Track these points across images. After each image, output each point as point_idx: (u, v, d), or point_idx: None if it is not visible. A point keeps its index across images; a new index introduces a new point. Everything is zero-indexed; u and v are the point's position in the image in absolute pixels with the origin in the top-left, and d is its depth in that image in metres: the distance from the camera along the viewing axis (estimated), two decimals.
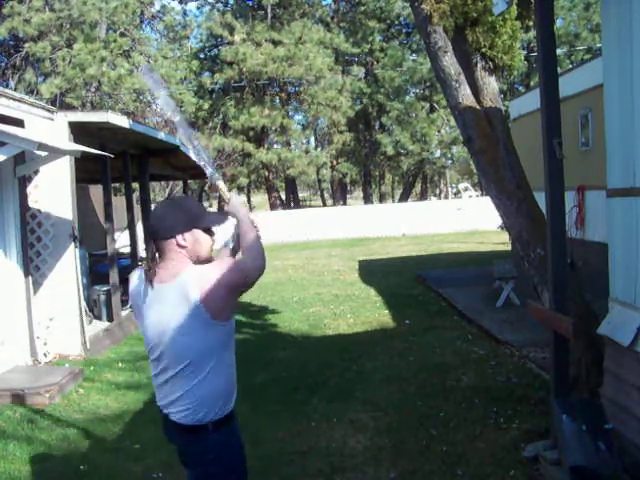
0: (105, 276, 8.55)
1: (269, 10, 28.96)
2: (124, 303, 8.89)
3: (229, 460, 2.34)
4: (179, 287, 2.20)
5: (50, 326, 6.83)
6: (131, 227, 9.64)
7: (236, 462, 2.38)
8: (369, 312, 8.97)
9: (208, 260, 2.34)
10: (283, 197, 36.21)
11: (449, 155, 30.86)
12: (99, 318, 8.32)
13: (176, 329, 2.21)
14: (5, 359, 6.04)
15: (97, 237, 11.25)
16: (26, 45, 23.12)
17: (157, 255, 2.30)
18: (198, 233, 2.28)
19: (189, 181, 15.65)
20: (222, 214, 2.43)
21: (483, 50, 4.90)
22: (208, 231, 2.34)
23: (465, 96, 4.67)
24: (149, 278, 2.27)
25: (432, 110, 28.89)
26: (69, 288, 6.96)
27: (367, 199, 35.19)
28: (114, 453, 4.30)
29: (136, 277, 2.39)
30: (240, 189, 34.45)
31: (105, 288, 8.37)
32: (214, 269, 2.22)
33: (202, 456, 2.31)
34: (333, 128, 29.58)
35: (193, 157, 2.48)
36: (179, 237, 2.24)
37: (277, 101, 30.58)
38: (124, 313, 8.61)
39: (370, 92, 30.35)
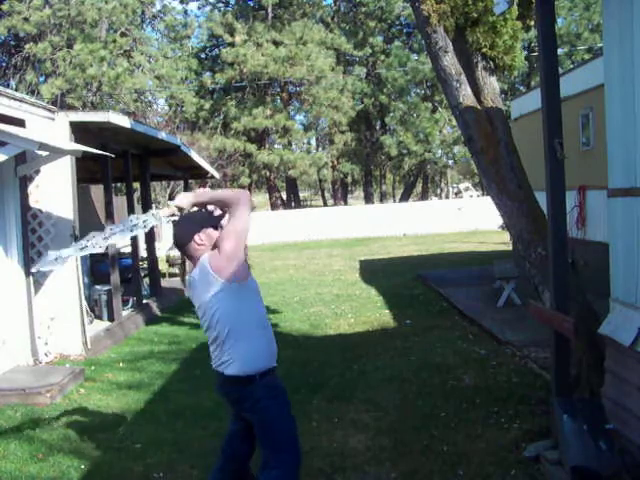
0: (106, 276, 8.56)
1: (270, 10, 28.95)
2: (125, 303, 8.91)
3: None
4: (200, 266, 2.81)
5: (51, 326, 6.83)
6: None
7: None
8: (370, 312, 8.97)
9: None
10: (284, 197, 36.20)
11: (450, 155, 30.86)
12: (100, 318, 8.32)
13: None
14: (6, 359, 6.04)
15: None
16: (27, 46, 23.14)
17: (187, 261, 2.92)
18: (209, 231, 2.85)
19: (190, 181, 15.65)
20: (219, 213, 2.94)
21: (484, 50, 4.89)
22: (216, 227, 2.89)
23: (466, 96, 4.67)
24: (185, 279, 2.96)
25: (434, 110, 28.90)
26: (70, 288, 6.96)
27: (368, 199, 35.19)
28: (115, 453, 4.29)
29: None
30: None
31: (106, 288, 8.37)
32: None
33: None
34: (334, 128, 29.58)
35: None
36: (197, 240, 2.83)
37: (278, 101, 30.59)
38: (125, 313, 8.62)
39: (371, 92, 30.36)
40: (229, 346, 2.84)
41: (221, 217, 2.93)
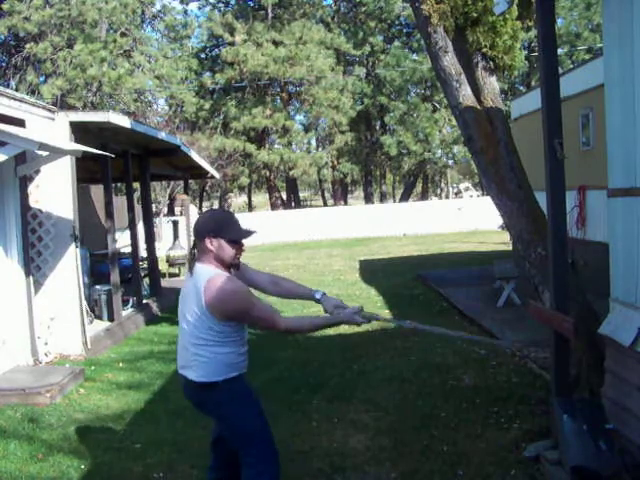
0: (106, 276, 8.56)
1: (269, 10, 28.96)
2: (125, 303, 8.90)
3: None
4: (196, 277, 2.75)
5: (51, 326, 6.83)
6: (132, 227, 9.64)
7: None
8: (370, 312, 8.95)
9: (234, 265, 2.86)
10: (284, 197, 36.22)
11: (450, 155, 30.87)
12: (100, 318, 8.32)
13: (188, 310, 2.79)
14: (6, 359, 6.04)
15: (98, 237, 11.26)
16: (27, 46, 23.15)
17: (196, 251, 2.83)
18: (222, 242, 2.75)
19: (190, 181, 15.66)
20: (248, 231, 2.85)
21: (484, 50, 4.89)
22: (234, 242, 2.78)
23: (466, 96, 4.66)
24: (189, 266, 2.83)
25: (434, 110, 28.91)
26: (70, 288, 6.97)
27: (368, 199, 35.22)
28: (115, 453, 4.30)
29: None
30: (241, 189, 34.46)
31: (106, 288, 8.37)
32: (228, 287, 2.69)
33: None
34: (334, 128, 29.58)
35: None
36: (207, 241, 2.74)
37: (278, 101, 30.60)
38: (125, 313, 8.62)
39: (371, 92, 30.36)
40: (191, 348, 2.81)
41: (247, 234, 2.82)
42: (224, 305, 2.68)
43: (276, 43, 27.35)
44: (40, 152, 5.86)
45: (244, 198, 41.75)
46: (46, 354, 6.67)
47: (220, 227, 2.76)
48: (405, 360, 6.19)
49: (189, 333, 2.81)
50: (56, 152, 5.98)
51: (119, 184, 20.01)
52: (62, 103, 22.49)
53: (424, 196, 37.33)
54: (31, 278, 6.58)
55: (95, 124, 7.22)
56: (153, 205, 17.69)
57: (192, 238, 2.92)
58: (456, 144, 28.38)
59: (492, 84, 4.90)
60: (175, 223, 14.75)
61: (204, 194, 37.47)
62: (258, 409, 2.94)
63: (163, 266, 13.18)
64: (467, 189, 37.52)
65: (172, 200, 21.15)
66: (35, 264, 6.84)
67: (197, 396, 2.91)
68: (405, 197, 35.35)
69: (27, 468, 4.06)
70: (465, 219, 23.69)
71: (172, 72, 25.40)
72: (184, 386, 2.94)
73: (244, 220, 3.09)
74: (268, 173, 31.02)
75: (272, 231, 23.65)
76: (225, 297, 2.67)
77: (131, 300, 9.17)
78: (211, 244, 2.74)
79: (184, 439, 4.48)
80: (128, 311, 8.86)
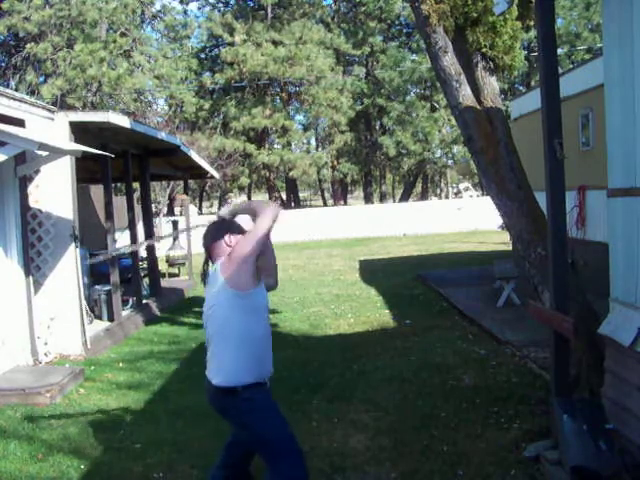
0: (106, 276, 8.56)
1: (269, 10, 28.97)
2: (125, 303, 8.90)
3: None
4: (216, 267, 2.97)
5: (51, 326, 6.83)
6: (132, 227, 9.64)
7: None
8: (370, 312, 8.97)
9: None
10: (284, 197, 36.22)
11: (450, 155, 30.86)
12: (100, 318, 8.32)
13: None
14: (6, 359, 6.04)
15: (98, 237, 11.26)
16: (27, 46, 23.15)
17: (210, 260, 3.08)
18: (239, 237, 3.00)
19: (189, 181, 15.66)
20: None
21: (484, 50, 4.90)
22: (243, 232, 3.07)
23: (466, 96, 4.67)
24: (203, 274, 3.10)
25: (433, 109, 28.90)
26: (70, 288, 6.96)
27: (368, 199, 35.20)
28: (115, 453, 4.29)
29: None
30: (241, 189, 34.46)
31: (106, 288, 8.37)
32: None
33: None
34: (334, 128, 29.58)
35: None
36: (226, 238, 3.02)
37: (278, 101, 30.60)
38: (125, 313, 8.62)
39: (370, 92, 30.37)
40: (217, 352, 2.94)
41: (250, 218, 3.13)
42: (236, 253, 2.87)
43: (276, 43, 27.34)
44: (40, 152, 5.86)
45: (244, 198, 41.75)
46: (46, 354, 6.67)
47: (234, 225, 3.10)
48: (405, 360, 6.19)
49: (215, 331, 2.93)
50: (56, 152, 5.98)
51: (119, 184, 20.00)
52: (62, 103, 22.47)
53: (424, 196, 37.33)
54: (31, 278, 6.57)
55: (95, 124, 7.22)
56: (153, 205, 17.68)
57: (204, 250, 3.11)
58: (456, 144, 28.39)
59: (492, 84, 4.91)
60: (175, 223, 14.74)
61: (204, 194, 37.50)
62: (281, 419, 2.95)
63: (163, 266, 13.18)
64: (467, 189, 37.48)
65: (172, 200, 21.13)
66: (35, 264, 6.84)
67: (219, 402, 2.95)
68: (405, 197, 35.36)
69: (27, 468, 4.05)
70: (465, 219, 23.67)
71: (172, 72, 25.39)
72: (207, 391, 3.00)
73: (245, 220, 3.25)
74: (268, 173, 31.01)
75: (272, 231, 23.59)
76: (232, 252, 2.92)
77: (131, 300, 9.17)
78: (230, 241, 3.02)
79: (184, 439, 4.48)
80: (128, 311, 8.86)
